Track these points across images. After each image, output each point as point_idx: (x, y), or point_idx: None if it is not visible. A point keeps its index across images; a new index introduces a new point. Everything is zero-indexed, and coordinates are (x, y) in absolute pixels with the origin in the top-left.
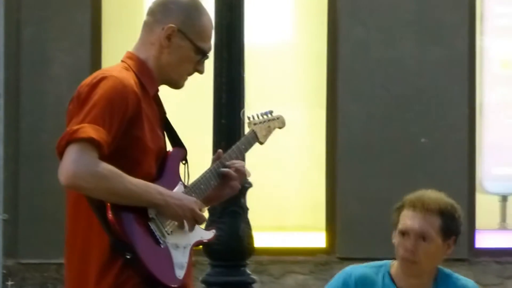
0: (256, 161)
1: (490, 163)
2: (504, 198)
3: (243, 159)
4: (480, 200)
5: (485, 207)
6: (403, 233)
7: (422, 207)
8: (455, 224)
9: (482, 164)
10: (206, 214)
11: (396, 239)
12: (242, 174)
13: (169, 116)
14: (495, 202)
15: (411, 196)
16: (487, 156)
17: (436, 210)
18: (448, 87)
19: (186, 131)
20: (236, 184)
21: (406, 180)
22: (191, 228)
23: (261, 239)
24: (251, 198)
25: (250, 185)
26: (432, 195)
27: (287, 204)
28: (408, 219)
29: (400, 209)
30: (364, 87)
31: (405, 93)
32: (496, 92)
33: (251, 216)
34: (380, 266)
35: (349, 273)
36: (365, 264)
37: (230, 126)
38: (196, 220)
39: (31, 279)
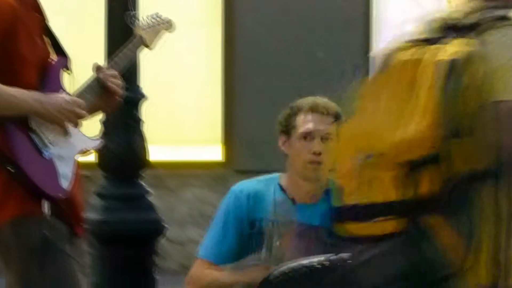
0: (152, 75)
1: None
2: None
3: (131, 65)
4: None
5: None
6: (306, 136)
7: (322, 109)
8: None
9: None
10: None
11: (296, 144)
12: (121, 88)
13: (59, 24)
14: None
15: (304, 101)
16: None
17: (333, 113)
18: None
19: (75, 40)
20: (119, 99)
21: (303, 94)
22: (75, 126)
23: (158, 152)
24: (147, 112)
25: (143, 97)
26: (324, 99)
27: (184, 118)
28: (310, 122)
29: (295, 114)
30: (261, 1)
31: (302, 6)
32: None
33: (147, 129)
34: (269, 179)
35: (240, 189)
36: (254, 178)
37: (123, 35)
38: (77, 116)
39: None
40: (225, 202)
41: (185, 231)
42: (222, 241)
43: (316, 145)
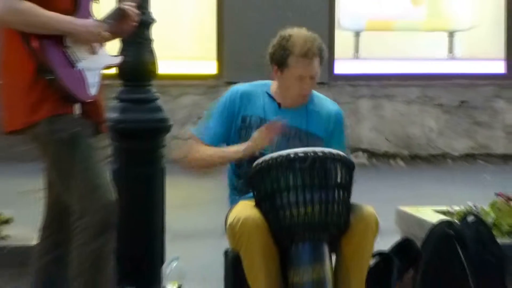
0: (159, 2)
1: (348, 3)
2: (357, 34)
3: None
4: (338, 35)
5: (342, 41)
6: (300, 78)
7: (312, 54)
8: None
9: (340, 4)
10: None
11: (289, 80)
12: (135, 15)
13: None
14: (350, 37)
15: (295, 42)
16: None
17: (319, 53)
18: None
19: None
20: (134, 24)
21: (278, 17)
22: (102, 46)
23: (164, 66)
24: (155, 31)
25: (153, 20)
26: (310, 37)
27: (184, 37)
28: (303, 67)
29: (287, 54)
30: None
31: None
32: None
33: (155, 46)
34: (262, 85)
35: (235, 90)
36: (250, 83)
37: None
38: (103, 38)
39: None
40: (224, 97)
41: (185, 130)
42: (215, 126)
43: (307, 85)
